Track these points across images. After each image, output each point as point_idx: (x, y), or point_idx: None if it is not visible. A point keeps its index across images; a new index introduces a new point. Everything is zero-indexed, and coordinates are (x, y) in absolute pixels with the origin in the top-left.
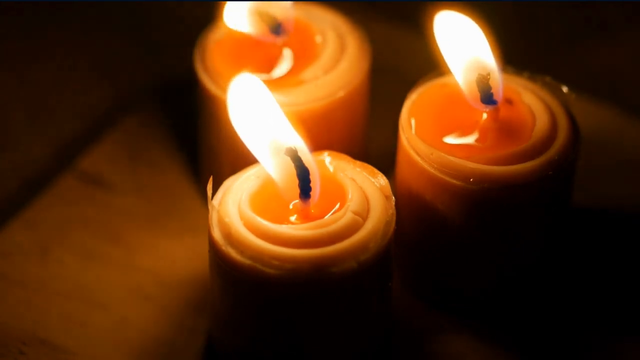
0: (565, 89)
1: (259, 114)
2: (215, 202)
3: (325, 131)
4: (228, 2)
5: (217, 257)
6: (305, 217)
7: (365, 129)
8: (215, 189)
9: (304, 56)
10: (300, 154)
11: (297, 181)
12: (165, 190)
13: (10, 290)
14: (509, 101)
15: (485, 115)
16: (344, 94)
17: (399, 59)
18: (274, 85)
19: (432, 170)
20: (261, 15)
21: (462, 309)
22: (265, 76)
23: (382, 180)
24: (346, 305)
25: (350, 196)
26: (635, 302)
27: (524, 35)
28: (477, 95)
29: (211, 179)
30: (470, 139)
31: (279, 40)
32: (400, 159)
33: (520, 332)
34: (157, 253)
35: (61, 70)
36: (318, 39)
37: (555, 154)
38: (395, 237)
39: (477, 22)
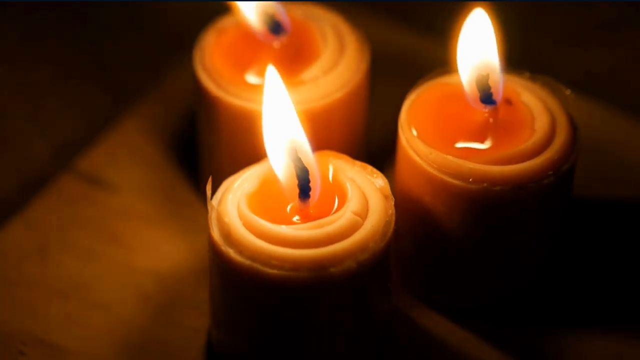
0: (565, 89)
1: (273, 112)
2: (214, 202)
3: (324, 131)
4: (239, 2)
5: (217, 257)
6: (304, 217)
7: (365, 129)
8: (214, 189)
9: (304, 56)
10: (300, 154)
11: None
12: (165, 190)
13: (9, 290)
14: (508, 101)
15: (484, 115)
16: (343, 94)
17: (398, 59)
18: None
19: (431, 170)
20: (260, 15)
21: (462, 309)
22: (264, 77)
23: (381, 180)
24: (345, 305)
25: (349, 196)
26: (635, 302)
27: (524, 35)
28: (477, 95)
29: (210, 179)
30: (469, 139)
31: (279, 40)
32: (400, 159)
33: (519, 332)
34: (157, 253)
35: (61, 71)
36: (318, 39)
37: (554, 153)
38: (394, 237)
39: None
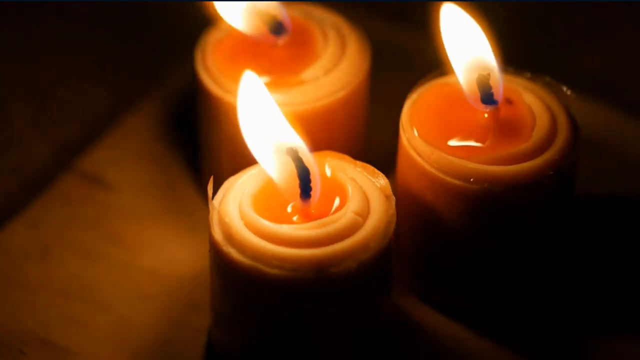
0: (565, 89)
1: (260, 114)
2: (215, 202)
3: (325, 131)
4: (226, 2)
5: (218, 257)
6: (305, 217)
7: (366, 129)
8: (215, 189)
9: (305, 56)
10: (300, 154)
11: (297, 181)
12: (166, 190)
13: (10, 290)
14: (509, 101)
15: (485, 115)
16: (344, 94)
17: (399, 59)
18: (274, 85)
19: (432, 170)
20: (261, 16)
21: (463, 309)
22: (265, 76)
23: (382, 180)
24: (346, 305)
25: (350, 196)
26: (635, 302)
27: (524, 35)
28: (478, 95)
29: (212, 179)
30: (470, 139)
31: (279, 40)
32: (401, 159)
33: (520, 332)
34: (158, 253)
35: (61, 70)
36: (318, 39)
37: (555, 153)
38: (395, 237)
39: (478, 21)
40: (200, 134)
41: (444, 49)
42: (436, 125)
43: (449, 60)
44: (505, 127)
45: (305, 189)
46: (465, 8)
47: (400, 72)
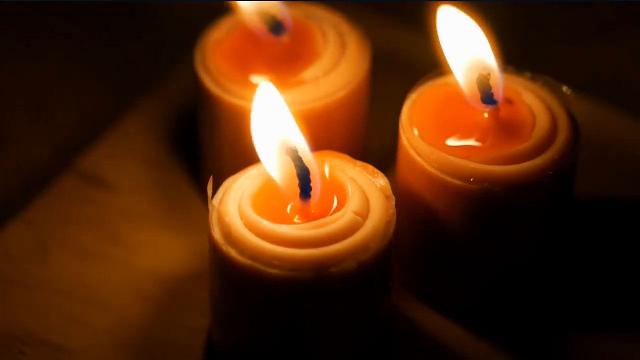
0: (565, 89)
1: (270, 114)
2: (215, 201)
3: (325, 131)
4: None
5: (218, 257)
6: (305, 217)
7: (366, 129)
8: (215, 189)
9: (305, 56)
10: (300, 154)
11: (297, 181)
12: (166, 190)
13: (10, 290)
14: (509, 101)
15: (485, 115)
16: (344, 94)
17: (399, 59)
18: (275, 85)
19: (432, 170)
20: (261, 15)
21: (462, 309)
22: (265, 76)
23: (382, 180)
24: (346, 306)
25: (350, 196)
26: (635, 302)
27: (524, 35)
28: (478, 95)
29: (211, 178)
30: (470, 139)
31: (280, 40)
32: (401, 159)
33: (520, 332)
34: (157, 253)
35: (61, 70)
36: (318, 39)
37: (555, 153)
38: (395, 237)
39: (478, 22)
40: (201, 134)
41: (444, 48)
42: (436, 125)
43: (448, 61)
44: (505, 127)
45: (305, 189)
46: (465, 8)
47: (400, 72)
